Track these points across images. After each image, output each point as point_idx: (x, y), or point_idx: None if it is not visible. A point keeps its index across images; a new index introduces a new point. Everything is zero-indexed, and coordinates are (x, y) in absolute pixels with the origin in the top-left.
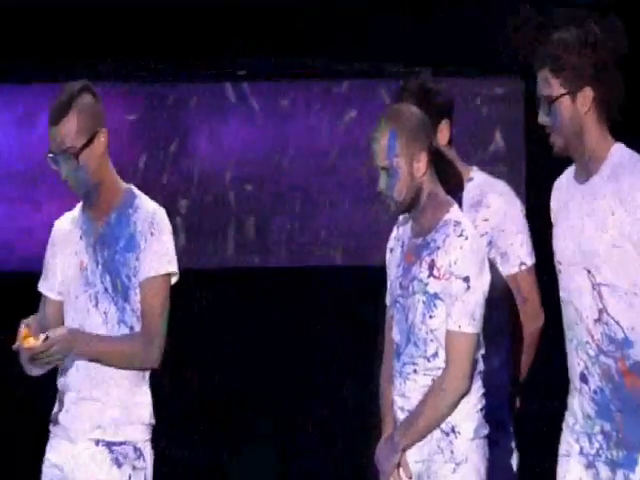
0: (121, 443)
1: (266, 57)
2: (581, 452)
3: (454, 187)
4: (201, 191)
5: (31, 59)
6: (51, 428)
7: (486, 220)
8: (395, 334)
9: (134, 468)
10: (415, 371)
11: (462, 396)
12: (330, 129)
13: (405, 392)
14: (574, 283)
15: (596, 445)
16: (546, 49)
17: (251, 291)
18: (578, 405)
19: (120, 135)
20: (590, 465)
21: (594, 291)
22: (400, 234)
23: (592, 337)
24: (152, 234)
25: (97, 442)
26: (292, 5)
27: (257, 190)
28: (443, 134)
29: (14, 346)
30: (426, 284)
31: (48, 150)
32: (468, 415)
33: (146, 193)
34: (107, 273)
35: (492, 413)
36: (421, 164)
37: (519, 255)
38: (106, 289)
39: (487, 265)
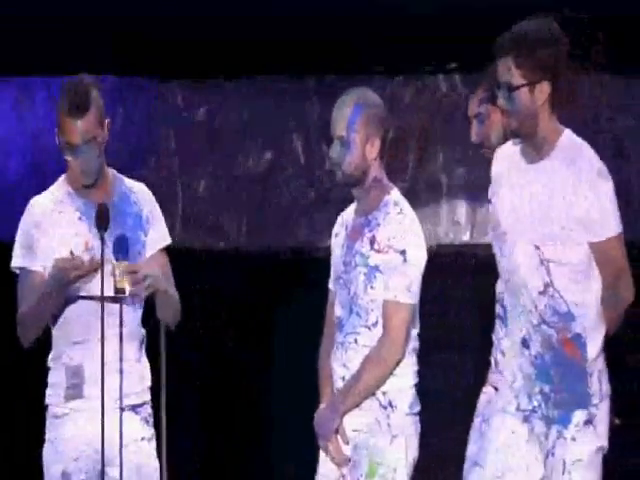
0: (142, 404)
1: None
2: (518, 408)
3: None
4: (413, 175)
5: None
6: (67, 405)
7: None
8: (337, 309)
9: (152, 425)
10: (356, 341)
11: (397, 362)
12: None
13: (346, 362)
14: (521, 255)
15: (534, 403)
16: (512, 39)
17: (464, 267)
18: (518, 366)
19: None
20: (526, 420)
21: (542, 266)
22: (344, 220)
23: (536, 307)
24: (156, 209)
25: (123, 408)
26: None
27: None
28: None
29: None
30: (367, 257)
31: (63, 142)
32: (404, 390)
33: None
34: (119, 251)
35: None
36: (373, 149)
37: None
38: None
39: (424, 243)
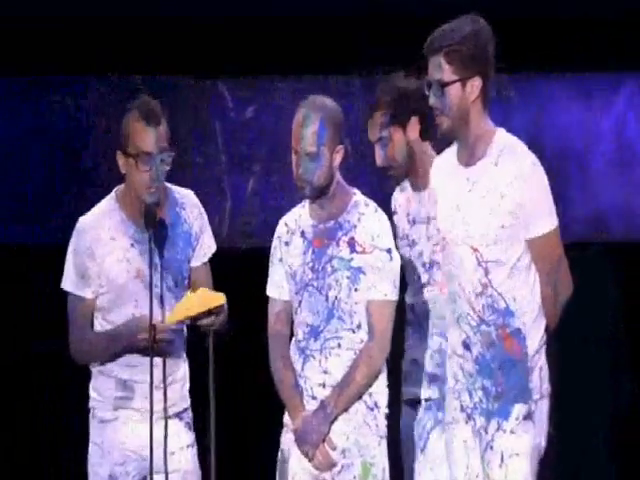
0: (184, 410)
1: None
2: (462, 408)
3: None
4: None
5: None
6: (115, 413)
7: None
8: (307, 317)
9: (193, 430)
10: (339, 345)
11: (385, 360)
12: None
13: (327, 368)
14: (459, 260)
15: (475, 399)
16: (442, 36)
17: None
18: (458, 366)
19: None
20: (469, 418)
21: (480, 267)
22: (292, 227)
23: (473, 309)
24: (204, 220)
25: (168, 417)
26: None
27: None
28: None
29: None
30: (349, 260)
31: (137, 151)
32: (384, 390)
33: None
34: (169, 274)
35: None
36: (338, 155)
37: None
38: (169, 288)
39: None
